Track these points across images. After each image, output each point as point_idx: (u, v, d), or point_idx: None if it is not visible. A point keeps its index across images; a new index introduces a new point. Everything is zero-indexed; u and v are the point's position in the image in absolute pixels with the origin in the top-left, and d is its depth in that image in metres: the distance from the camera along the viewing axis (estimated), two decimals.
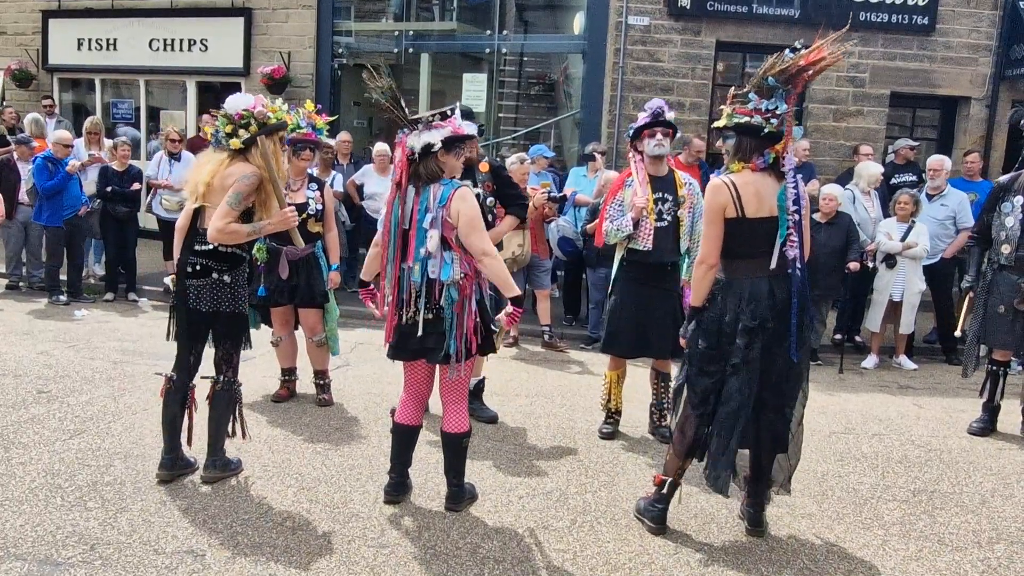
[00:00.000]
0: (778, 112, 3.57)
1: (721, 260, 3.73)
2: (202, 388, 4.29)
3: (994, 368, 5.76)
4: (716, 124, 3.83)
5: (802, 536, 4.01)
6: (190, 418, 4.24)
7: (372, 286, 4.11)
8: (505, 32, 11.86)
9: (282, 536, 3.72)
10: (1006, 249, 5.50)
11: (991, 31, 10.80)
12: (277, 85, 11.32)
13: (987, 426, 5.78)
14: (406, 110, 3.83)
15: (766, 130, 3.59)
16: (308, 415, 5.46)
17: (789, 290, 3.69)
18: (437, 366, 3.94)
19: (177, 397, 4.18)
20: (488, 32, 11.92)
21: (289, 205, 4.96)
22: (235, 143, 4.04)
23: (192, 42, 12.24)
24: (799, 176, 3.77)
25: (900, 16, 10.61)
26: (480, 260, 3.79)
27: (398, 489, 4.11)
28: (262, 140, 4.03)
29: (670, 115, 5.04)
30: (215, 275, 4.10)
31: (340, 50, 12.07)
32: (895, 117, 11.33)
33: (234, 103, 4.08)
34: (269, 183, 4.06)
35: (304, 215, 5.42)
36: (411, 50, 11.90)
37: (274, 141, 4.14)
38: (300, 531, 3.78)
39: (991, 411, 5.80)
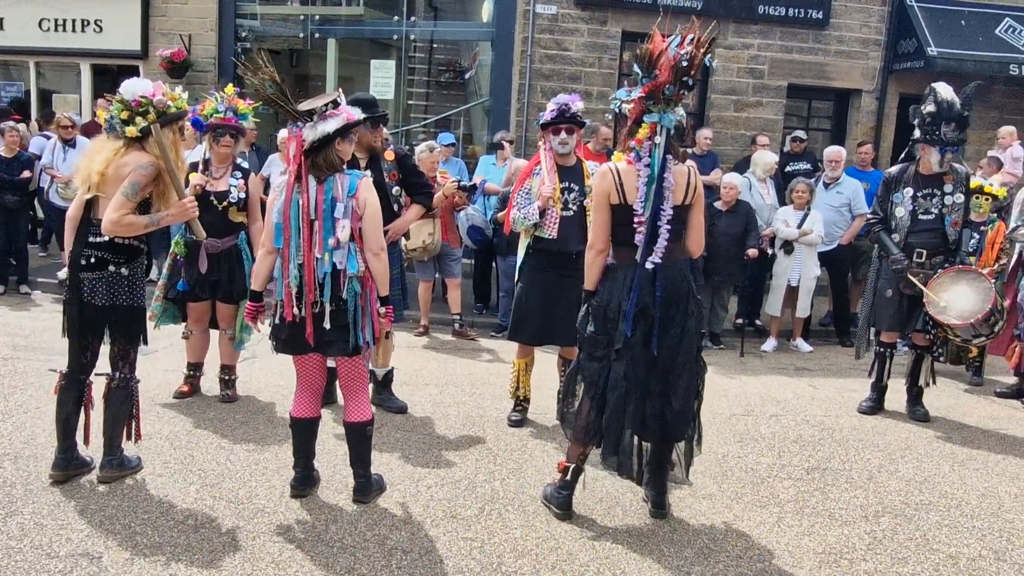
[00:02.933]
0: (626, 99, 3.67)
1: (611, 247, 3.80)
2: (98, 385, 4.14)
3: (882, 350, 6.06)
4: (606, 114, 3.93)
5: (703, 516, 4.15)
6: (87, 416, 4.09)
7: (262, 301, 3.98)
8: (413, 18, 11.77)
9: (183, 535, 3.64)
10: (896, 237, 5.77)
11: (880, 26, 11.31)
12: (177, 69, 10.95)
13: (875, 405, 6.09)
14: (293, 103, 3.75)
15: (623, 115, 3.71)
16: (212, 410, 5.34)
17: (674, 278, 3.77)
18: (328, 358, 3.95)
19: (72, 395, 4.02)
20: (396, 18, 11.80)
21: (209, 193, 4.82)
22: (131, 131, 3.90)
23: (86, 22, 11.71)
24: (673, 165, 3.75)
25: (796, 10, 11.00)
26: (377, 254, 3.82)
27: (304, 482, 4.06)
28: (159, 129, 3.90)
29: (578, 106, 5.08)
30: (111, 268, 3.96)
31: (244, 33, 11.75)
32: (793, 108, 11.75)
33: (132, 88, 3.93)
34: (167, 174, 3.94)
35: (224, 203, 5.27)
36: (317, 35, 11.69)
37: (173, 131, 4.02)
38: (203, 529, 3.71)
39: (879, 391, 6.10)
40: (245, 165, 5.58)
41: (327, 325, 3.76)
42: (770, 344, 8.22)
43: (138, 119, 3.89)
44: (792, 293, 8.13)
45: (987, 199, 6.84)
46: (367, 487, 4.04)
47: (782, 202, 8.44)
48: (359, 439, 4.00)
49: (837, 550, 3.86)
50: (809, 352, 8.15)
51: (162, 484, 4.14)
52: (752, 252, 7.80)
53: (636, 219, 3.70)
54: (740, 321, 8.44)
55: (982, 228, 6.84)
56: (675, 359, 3.78)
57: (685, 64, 3.56)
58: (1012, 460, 5.21)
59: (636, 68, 3.65)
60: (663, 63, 3.56)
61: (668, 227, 3.69)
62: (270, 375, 6.06)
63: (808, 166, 9.52)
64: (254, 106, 5.53)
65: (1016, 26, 11.15)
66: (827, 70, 11.32)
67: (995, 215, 6.92)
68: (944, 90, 5.54)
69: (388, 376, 5.62)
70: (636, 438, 3.88)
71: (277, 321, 3.84)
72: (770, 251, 8.06)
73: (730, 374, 7.11)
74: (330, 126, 3.69)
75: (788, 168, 9.48)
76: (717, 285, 8.12)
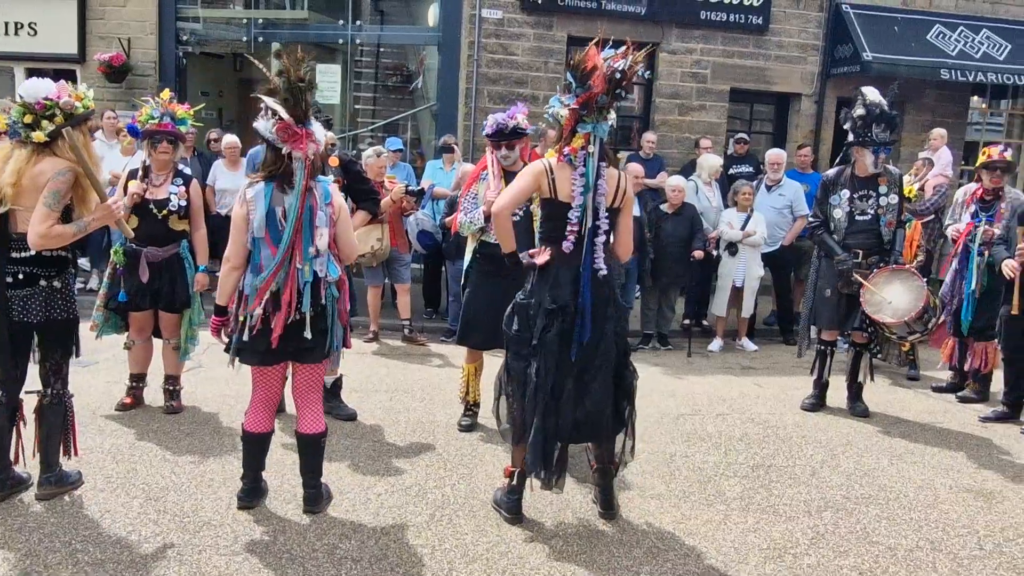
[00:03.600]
0: (560, 108, 3.73)
1: (541, 243, 3.85)
2: (29, 402, 4.02)
3: (822, 348, 6.21)
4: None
5: (651, 516, 4.20)
6: (18, 434, 3.97)
7: (227, 315, 3.88)
8: (359, 22, 11.69)
9: (126, 551, 3.57)
10: (835, 238, 5.91)
11: (818, 32, 11.58)
12: (116, 73, 10.71)
13: (817, 402, 6.23)
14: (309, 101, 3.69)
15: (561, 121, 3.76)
16: (156, 422, 5.24)
17: (597, 281, 3.81)
18: (289, 369, 3.90)
19: (4, 412, 3.89)
20: (341, 22, 11.71)
21: (149, 201, 4.71)
22: (39, 136, 3.70)
23: (20, 25, 11.36)
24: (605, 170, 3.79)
25: (737, 16, 11.21)
26: (350, 257, 3.90)
27: (251, 494, 4.01)
28: (70, 132, 3.70)
29: (519, 119, 5.08)
30: (43, 282, 3.83)
31: (185, 37, 11.53)
32: (735, 111, 11.97)
33: (34, 90, 3.74)
34: (85, 177, 3.77)
35: (164, 211, 5.18)
36: (261, 39, 11.53)
37: (83, 131, 3.84)
38: (146, 544, 3.64)
39: (821, 387, 6.25)
40: (188, 171, 5.50)
41: (308, 335, 3.72)
42: (716, 344, 8.35)
43: (44, 123, 3.71)
44: (737, 293, 8.28)
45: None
46: (317, 497, 4.01)
47: (727, 204, 8.60)
48: (312, 450, 3.97)
49: (781, 545, 3.95)
50: (754, 351, 8.30)
51: (104, 499, 4.05)
52: (698, 254, 7.92)
53: (570, 227, 3.73)
54: (687, 322, 8.56)
55: (904, 226, 7.02)
56: (591, 361, 3.80)
57: (619, 76, 3.63)
58: (947, 453, 5.38)
59: (571, 78, 3.70)
60: (597, 75, 3.62)
61: (604, 235, 3.75)
62: (216, 385, 5.97)
63: (751, 169, 9.70)
64: (194, 110, 5.45)
65: (946, 32, 11.51)
66: (768, 74, 11.55)
67: (910, 215, 7.14)
68: (872, 93, 5.70)
69: (337, 383, 5.58)
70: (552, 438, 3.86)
71: (246, 337, 3.74)
72: (715, 252, 8.20)
73: (678, 374, 7.21)
74: (322, 130, 3.70)
75: (731, 171, 9.65)
76: (664, 287, 8.23)
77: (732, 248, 8.14)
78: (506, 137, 5.04)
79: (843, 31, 11.36)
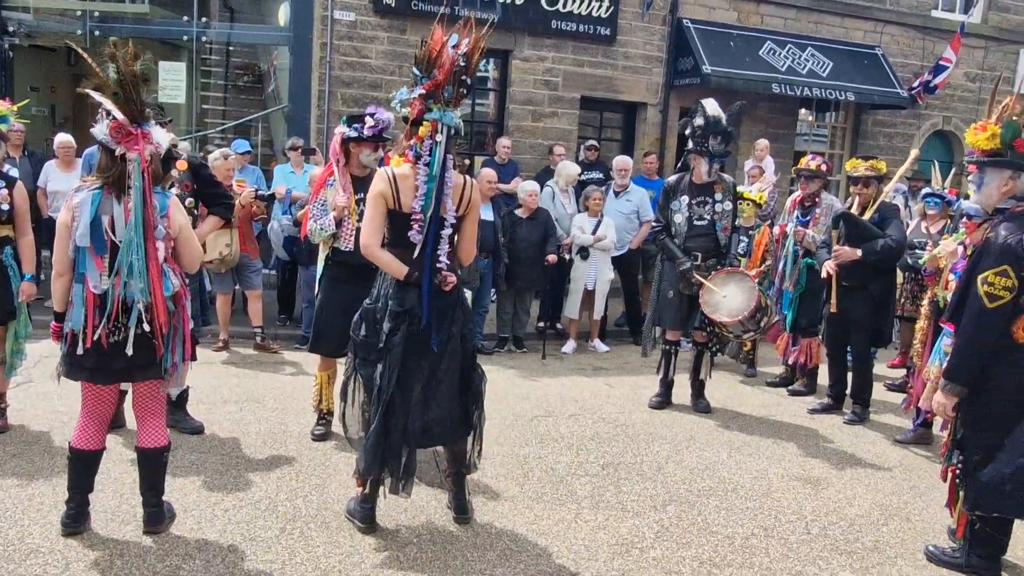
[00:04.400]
0: (406, 98, 3.74)
1: (389, 249, 3.82)
2: None
3: (667, 347, 6.50)
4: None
5: (505, 518, 4.27)
6: None
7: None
8: (205, 19, 11.25)
9: None
10: (676, 242, 6.21)
11: (662, 44, 12.13)
12: None
13: (664, 400, 6.51)
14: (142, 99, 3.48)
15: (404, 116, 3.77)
16: None
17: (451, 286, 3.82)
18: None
19: None
20: (186, 18, 11.22)
21: None
22: None
23: None
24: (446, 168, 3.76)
25: (586, 26, 11.56)
26: (193, 267, 3.78)
27: (78, 518, 3.77)
28: None
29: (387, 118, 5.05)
30: None
31: (13, 28, 10.76)
32: (586, 119, 12.34)
33: None
34: None
35: None
36: (98, 33, 10.85)
37: None
38: None
39: (667, 386, 6.54)
40: (13, 173, 5.13)
41: (129, 352, 3.54)
42: (570, 346, 8.57)
43: None
44: (589, 296, 8.52)
45: (749, 205, 7.49)
46: (159, 516, 3.83)
47: (579, 210, 8.84)
48: (153, 466, 3.79)
49: (629, 540, 4.11)
50: (606, 352, 8.58)
51: None
52: (551, 258, 8.10)
53: (414, 216, 3.71)
54: (541, 324, 8.74)
55: (750, 232, 7.50)
56: (439, 365, 3.82)
57: (463, 64, 3.66)
58: (780, 444, 5.76)
59: (415, 70, 3.70)
60: (442, 63, 3.63)
61: (450, 229, 3.77)
62: (47, 401, 5.59)
63: (601, 175, 10.02)
64: (18, 106, 5.10)
65: (776, 48, 12.32)
66: (616, 84, 11.98)
67: (760, 220, 7.61)
68: (711, 106, 6.03)
69: (183, 396, 5.35)
70: (405, 449, 3.85)
71: (80, 350, 3.54)
72: (568, 257, 8.42)
73: (532, 376, 7.35)
74: (166, 136, 3.51)
75: (582, 177, 9.91)
76: (519, 290, 8.37)
77: (584, 252, 8.37)
78: (384, 139, 4.99)
79: (685, 45, 11.94)
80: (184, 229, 3.70)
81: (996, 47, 14.36)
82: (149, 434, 3.76)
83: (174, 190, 3.81)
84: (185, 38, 11.25)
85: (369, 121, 4.95)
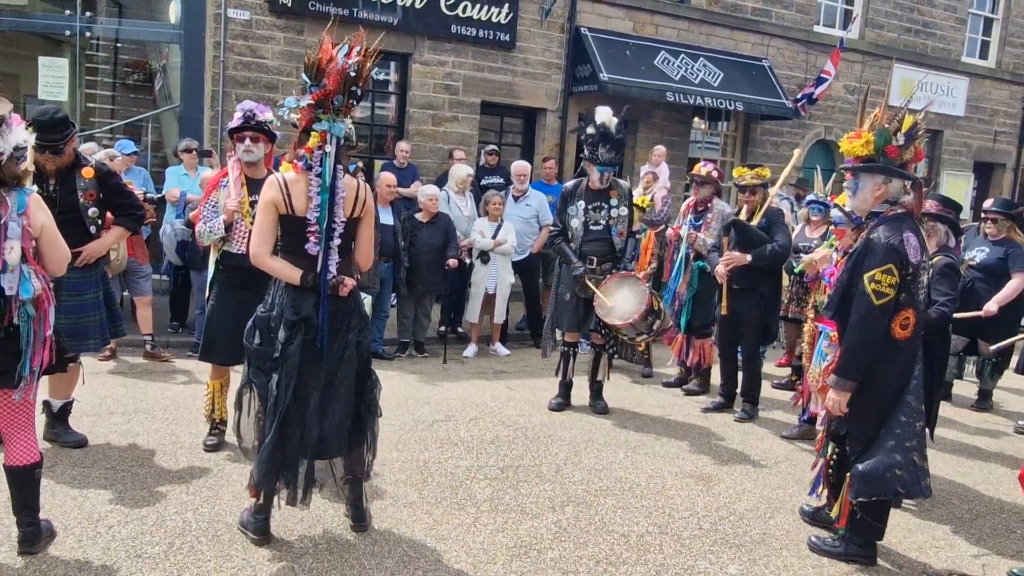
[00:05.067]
0: (295, 107, 3.70)
1: (284, 256, 3.78)
2: None
3: (566, 349, 6.59)
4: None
5: (404, 525, 4.25)
6: None
7: None
8: (89, 14, 10.78)
9: None
10: (573, 246, 6.32)
11: (561, 51, 12.32)
12: None
13: (563, 402, 6.60)
14: None
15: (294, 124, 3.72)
16: None
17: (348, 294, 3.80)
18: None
19: None
20: (68, 12, 10.73)
21: None
22: None
23: None
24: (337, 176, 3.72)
25: (486, 32, 11.64)
26: (60, 270, 3.61)
27: None
28: None
29: (267, 116, 4.96)
30: None
31: None
32: (487, 124, 12.41)
33: None
34: None
35: None
36: None
37: None
38: None
39: (566, 388, 6.63)
40: None
41: None
42: (471, 350, 8.59)
43: None
44: (490, 300, 8.56)
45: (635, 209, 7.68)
46: (35, 536, 3.63)
47: (481, 214, 8.87)
48: (24, 484, 3.59)
49: (527, 542, 4.14)
50: (507, 355, 8.63)
51: None
52: (452, 262, 8.11)
53: (309, 228, 3.69)
54: (443, 329, 8.73)
55: (637, 236, 7.68)
56: (335, 374, 3.78)
57: (353, 74, 3.63)
58: (674, 443, 5.92)
59: (304, 77, 3.66)
60: (331, 72, 3.59)
61: (339, 239, 3.73)
62: None
63: (501, 180, 10.08)
64: None
65: (670, 58, 12.69)
66: (516, 89, 12.09)
67: (646, 225, 7.82)
68: (602, 114, 6.16)
69: (66, 408, 5.11)
70: (303, 460, 3.81)
71: None
72: (468, 261, 8.43)
73: (433, 381, 7.33)
74: (19, 136, 3.32)
75: (483, 181, 9.98)
76: (420, 294, 8.34)
77: (484, 256, 8.41)
78: (252, 128, 4.85)
79: (583, 52, 12.16)
80: (47, 229, 3.51)
81: (872, 61, 15.19)
82: (16, 451, 3.56)
83: (34, 188, 3.60)
84: (68, 33, 10.76)
85: (236, 112, 4.89)
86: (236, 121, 4.88)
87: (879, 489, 3.94)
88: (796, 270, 5.84)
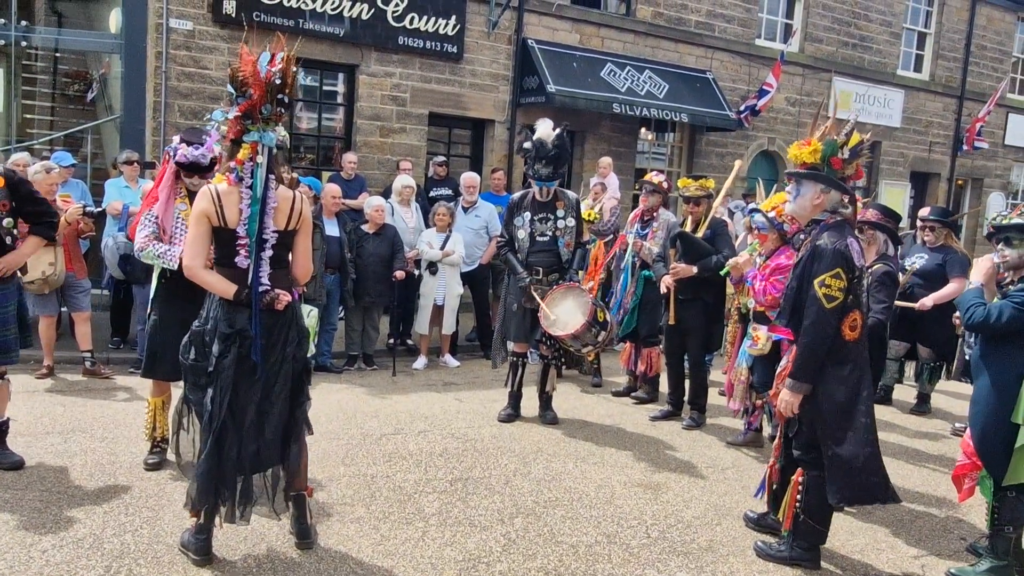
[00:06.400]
0: (223, 120, 3.67)
1: (217, 269, 3.72)
2: None
3: (515, 359, 6.59)
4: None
5: (351, 541, 4.19)
6: None
7: None
8: (26, 23, 10.51)
9: None
10: (520, 257, 6.33)
11: (508, 63, 12.37)
12: None
13: (513, 412, 6.60)
14: None
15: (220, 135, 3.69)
16: None
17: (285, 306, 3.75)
18: None
19: None
20: (3, 21, 10.44)
21: None
22: None
23: None
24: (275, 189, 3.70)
25: (433, 43, 11.63)
26: None
27: None
28: None
29: (216, 151, 4.84)
30: None
31: None
32: (435, 134, 12.39)
33: None
34: None
35: None
36: None
37: None
38: None
39: (515, 399, 6.63)
40: None
41: None
42: (421, 362, 8.54)
43: None
44: (439, 311, 8.54)
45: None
46: None
47: (429, 225, 8.85)
48: None
49: (476, 555, 4.12)
50: (456, 367, 8.61)
51: None
52: (399, 274, 8.06)
53: (240, 241, 3.64)
54: (392, 341, 8.67)
55: (587, 246, 7.73)
56: (271, 387, 3.74)
57: (279, 81, 3.60)
58: (623, 452, 5.95)
59: (230, 88, 3.61)
60: (255, 81, 3.56)
61: (272, 251, 3.68)
62: None
63: (450, 191, 10.07)
64: None
65: (616, 70, 12.82)
66: (463, 101, 12.10)
67: (595, 236, 7.89)
68: (540, 130, 6.19)
69: (1, 428, 4.95)
70: (239, 477, 3.74)
71: None
72: (416, 272, 8.40)
73: (382, 394, 7.27)
74: None
75: (432, 193, 9.96)
76: (367, 306, 8.27)
77: (432, 267, 8.39)
78: (203, 170, 4.77)
79: (530, 64, 12.23)
80: None
81: (812, 74, 15.56)
82: None
83: None
84: (3, 42, 10.47)
85: (182, 149, 4.72)
86: (182, 158, 4.74)
87: (858, 494, 4.02)
88: (722, 272, 5.95)
